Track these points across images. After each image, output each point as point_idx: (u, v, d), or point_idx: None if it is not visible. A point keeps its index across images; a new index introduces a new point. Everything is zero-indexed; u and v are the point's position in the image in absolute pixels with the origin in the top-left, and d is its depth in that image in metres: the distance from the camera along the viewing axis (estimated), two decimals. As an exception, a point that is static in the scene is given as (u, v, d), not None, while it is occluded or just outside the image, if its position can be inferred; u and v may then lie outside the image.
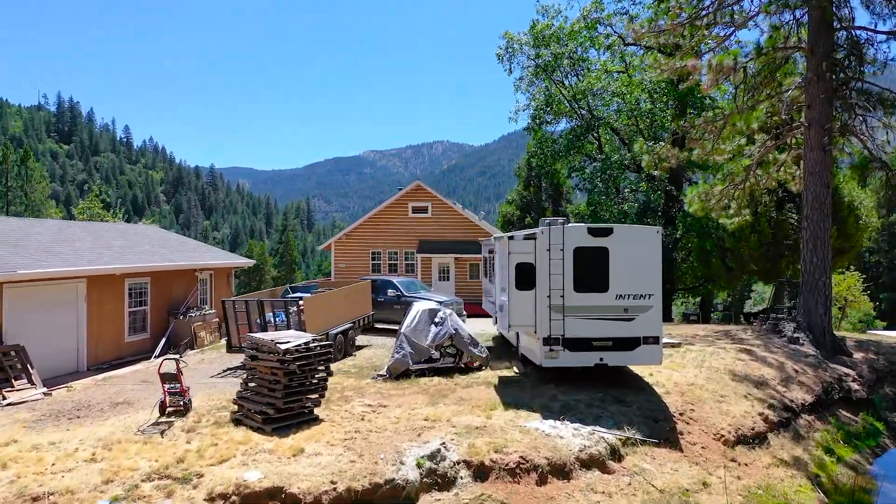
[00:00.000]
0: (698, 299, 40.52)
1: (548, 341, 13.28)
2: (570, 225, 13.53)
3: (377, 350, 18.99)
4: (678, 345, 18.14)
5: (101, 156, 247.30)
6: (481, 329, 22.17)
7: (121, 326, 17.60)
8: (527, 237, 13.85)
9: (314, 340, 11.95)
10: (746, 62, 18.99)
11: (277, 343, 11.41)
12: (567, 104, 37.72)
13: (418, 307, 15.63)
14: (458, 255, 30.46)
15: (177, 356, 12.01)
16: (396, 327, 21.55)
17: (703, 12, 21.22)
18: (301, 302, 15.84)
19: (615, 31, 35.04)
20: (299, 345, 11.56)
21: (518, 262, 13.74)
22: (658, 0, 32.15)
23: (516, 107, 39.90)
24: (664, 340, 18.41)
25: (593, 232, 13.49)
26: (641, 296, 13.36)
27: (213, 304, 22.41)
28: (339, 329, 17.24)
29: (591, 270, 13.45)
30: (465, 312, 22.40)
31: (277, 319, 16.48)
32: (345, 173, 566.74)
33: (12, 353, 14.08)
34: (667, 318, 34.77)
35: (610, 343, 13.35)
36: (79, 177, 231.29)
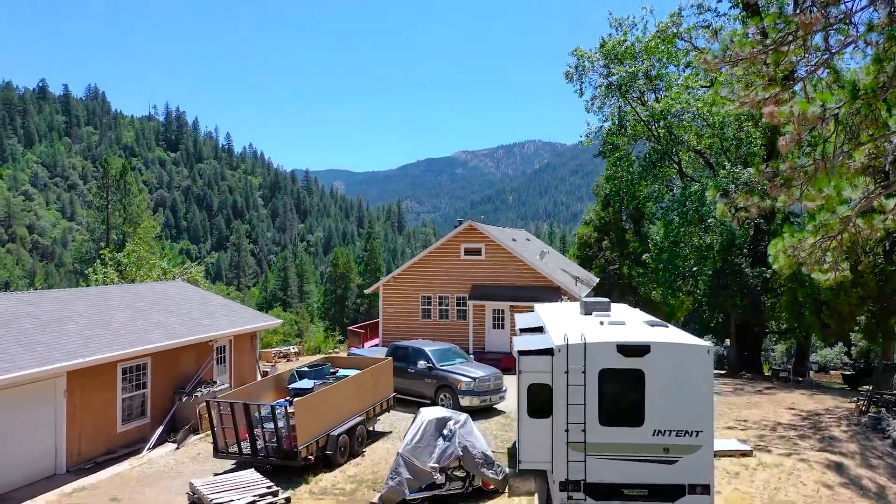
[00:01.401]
0: (792, 342, 35.98)
1: (565, 486, 10.73)
2: (593, 342, 10.88)
3: (394, 443, 16.71)
4: (749, 453, 15.00)
5: (205, 162, 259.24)
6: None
7: (112, 416, 16.05)
8: (542, 351, 11.29)
9: (268, 495, 9.95)
10: (839, 107, 15.41)
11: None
12: (643, 125, 34.39)
13: (424, 416, 13.31)
14: (514, 303, 27.84)
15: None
16: (427, 402, 19.35)
17: (791, 36, 17.79)
18: (292, 404, 13.89)
19: (696, 46, 31.46)
20: (244, 506, 9.60)
21: (531, 382, 11.21)
22: (746, 14, 28.52)
23: (587, 130, 36.87)
24: (730, 445, 15.40)
25: (625, 350, 10.80)
26: (687, 432, 10.61)
27: (232, 375, 20.80)
28: (344, 428, 15.09)
29: (622, 398, 10.84)
30: (505, 387, 19.87)
31: (276, 412, 14.48)
32: (437, 174, 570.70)
33: (-34, 472, 12.82)
34: (756, 368, 30.91)
35: (645, 492, 10.66)
36: (184, 183, 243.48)
